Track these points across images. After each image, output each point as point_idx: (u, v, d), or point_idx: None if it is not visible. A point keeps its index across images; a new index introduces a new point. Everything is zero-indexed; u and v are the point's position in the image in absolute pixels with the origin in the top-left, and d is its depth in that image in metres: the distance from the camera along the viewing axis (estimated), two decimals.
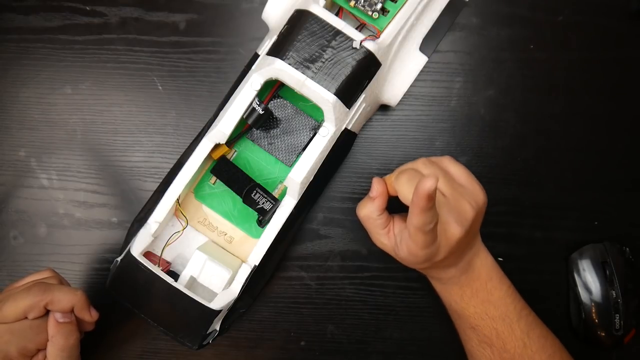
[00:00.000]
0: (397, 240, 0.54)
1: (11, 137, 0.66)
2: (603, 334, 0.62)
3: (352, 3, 0.56)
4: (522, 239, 0.65)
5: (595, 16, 0.64)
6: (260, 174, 0.60)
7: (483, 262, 0.56)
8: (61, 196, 0.66)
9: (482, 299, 0.55)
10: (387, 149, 0.65)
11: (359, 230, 0.64)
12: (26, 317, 0.52)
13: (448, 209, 0.51)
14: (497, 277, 0.56)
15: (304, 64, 0.53)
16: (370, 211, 0.55)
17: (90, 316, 0.55)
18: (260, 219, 0.59)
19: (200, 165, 0.56)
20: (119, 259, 0.57)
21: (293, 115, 0.60)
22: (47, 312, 0.53)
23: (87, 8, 0.65)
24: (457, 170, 0.55)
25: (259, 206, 0.58)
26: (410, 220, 0.48)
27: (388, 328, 0.66)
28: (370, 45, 0.54)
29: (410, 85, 0.60)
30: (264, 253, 0.56)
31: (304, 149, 0.58)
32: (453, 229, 0.51)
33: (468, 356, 0.58)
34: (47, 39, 0.65)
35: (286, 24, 0.55)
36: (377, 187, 0.54)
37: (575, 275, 0.63)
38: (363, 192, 0.65)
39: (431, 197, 0.45)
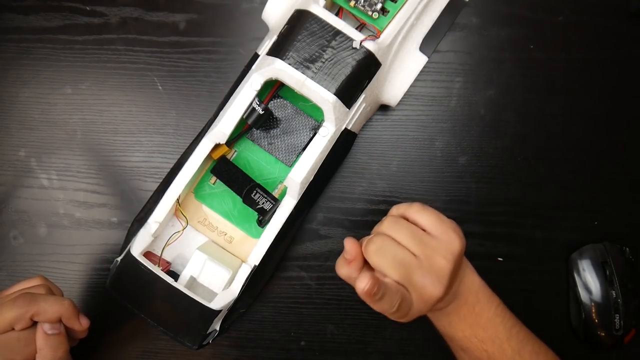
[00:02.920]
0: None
1: (11, 137, 0.66)
2: (603, 334, 0.62)
3: (352, 3, 0.56)
4: (522, 239, 0.65)
5: (595, 16, 0.64)
6: (260, 174, 0.60)
7: (469, 287, 0.55)
8: (61, 196, 0.66)
9: (470, 323, 0.54)
10: (387, 149, 0.65)
11: (359, 230, 0.64)
12: (13, 329, 0.51)
13: (422, 273, 0.50)
14: (484, 298, 0.55)
15: (304, 64, 0.53)
16: (349, 272, 0.53)
17: (80, 325, 0.54)
18: (260, 219, 0.59)
19: (200, 165, 0.56)
20: (119, 259, 0.57)
21: (293, 115, 0.60)
22: (34, 323, 0.52)
23: (87, 8, 0.65)
24: (427, 220, 0.52)
25: (259, 206, 0.58)
26: (374, 307, 0.49)
27: (388, 328, 0.66)
28: (370, 45, 0.54)
29: (410, 85, 0.60)
30: (264, 253, 0.56)
31: (304, 149, 0.58)
32: (430, 291, 0.50)
33: None
34: (47, 39, 0.65)
35: (286, 24, 0.55)
36: (350, 250, 0.52)
37: (575, 275, 0.63)
38: (363, 192, 0.65)
39: (372, 294, 0.46)
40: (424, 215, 0.52)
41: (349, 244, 0.52)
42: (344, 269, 0.53)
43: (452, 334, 0.56)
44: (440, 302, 0.52)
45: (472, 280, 0.55)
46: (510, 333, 0.54)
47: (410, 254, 0.50)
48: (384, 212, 0.63)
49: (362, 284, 0.46)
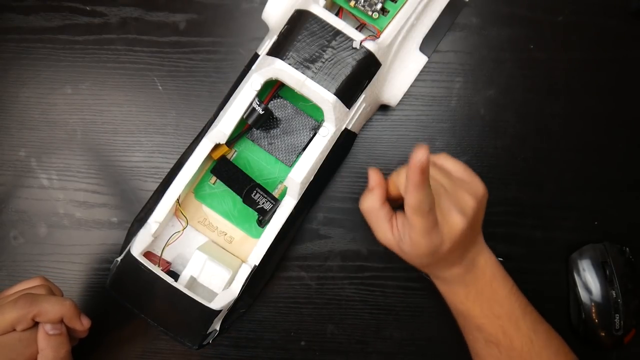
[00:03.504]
0: (400, 234, 0.53)
1: (11, 137, 0.66)
2: (603, 334, 0.62)
3: (352, 3, 0.56)
4: (522, 239, 0.65)
5: (595, 16, 0.64)
6: (260, 174, 0.60)
7: (487, 261, 0.56)
8: (61, 196, 0.66)
9: (487, 298, 0.55)
10: (387, 149, 0.65)
11: (359, 230, 0.64)
12: (14, 330, 0.51)
13: (449, 200, 0.51)
14: (500, 275, 0.56)
15: (304, 64, 0.53)
16: (372, 202, 0.54)
17: (81, 325, 0.54)
18: (260, 219, 0.59)
19: (201, 165, 0.56)
20: (119, 259, 0.57)
21: (293, 115, 0.60)
22: (36, 324, 0.52)
23: (87, 8, 0.65)
24: (454, 166, 0.55)
25: (259, 206, 0.58)
26: (407, 203, 0.48)
27: (388, 328, 0.66)
28: (370, 45, 0.54)
29: (410, 85, 0.60)
30: (264, 253, 0.56)
31: (304, 149, 0.58)
32: (456, 219, 0.51)
33: (475, 358, 0.58)
34: (47, 39, 0.65)
35: (286, 24, 0.55)
36: (373, 176, 0.54)
37: (575, 275, 0.63)
38: (362, 192, 0.65)
39: (424, 170, 0.45)
40: (452, 162, 0.55)
41: (372, 171, 0.55)
42: (367, 200, 0.54)
43: (468, 310, 0.56)
44: (463, 241, 0.52)
45: (489, 255, 0.56)
46: (525, 311, 0.55)
47: (439, 184, 0.52)
48: None
49: (420, 152, 0.44)
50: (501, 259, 0.64)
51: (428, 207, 0.48)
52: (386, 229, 0.54)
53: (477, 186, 0.54)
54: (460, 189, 0.52)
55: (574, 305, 0.64)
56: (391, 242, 0.54)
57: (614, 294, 0.62)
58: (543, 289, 0.65)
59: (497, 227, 0.65)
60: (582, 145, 0.65)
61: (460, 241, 0.52)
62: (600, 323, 0.62)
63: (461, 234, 0.51)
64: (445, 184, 0.52)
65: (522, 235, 0.65)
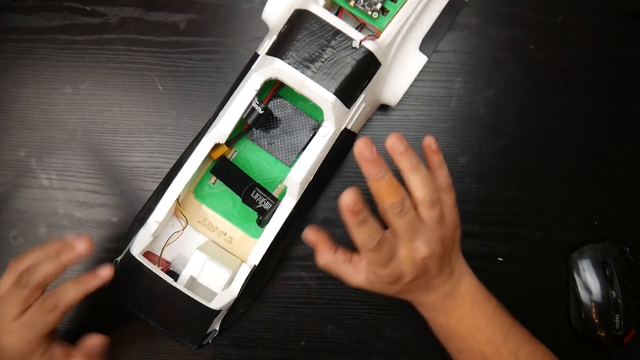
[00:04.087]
0: (365, 269, 0.53)
1: (11, 137, 0.66)
2: (603, 334, 0.62)
3: (352, 3, 0.56)
4: (522, 239, 0.65)
5: (595, 16, 0.64)
6: (260, 173, 0.60)
7: (467, 288, 0.55)
8: (61, 196, 0.66)
9: (467, 325, 0.54)
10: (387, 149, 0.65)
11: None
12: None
13: (413, 229, 0.49)
14: (482, 300, 0.55)
15: (304, 64, 0.53)
16: (324, 257, 0.53)
17: (97, 279, 0.53)
18: (260, 218, 0.59)
19: (200, 165, 0.56)
20: (118, 258, 0.57)
21: (293, 115, 0.60)
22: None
23: (87, 8, 0.65)
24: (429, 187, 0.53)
25: (258, 206, 0.58)
26: (353, 240, 0.49)
27: (388, 328, 0.66)
28: (369, 45, 0.54)
29: (410, 85, 0.60)
30: (263, 253, 0.56)
31: (303, 148, 0.58)
32: (419, 247, 0.50)
33: None
34: (47, 39, 0.65)
35: (286, 23, 0.55)
36: (311, 237, 0.53)
37: (575, 275, 0.63)
38: (363, 192, 0.64)
39: (354, 213, 0.46)
40: (449, 197, 0.53)
41: (307, 234, 0.53)
42: (320, 257, 0.54)
43: (448, 335, 0.56)
44: (428, 269, 0.51)
45: (470, 280, 0.56)
46: (507, 335, 0.54)
47: (420, 221, 0.50)
48: None
49: (346, 196, 0.45)
50: (501, 259, 0.64)
51: (374, 242, 0.48)
52: (351, 271, 0.54)
53: (450, 219, 0.53)
54: (425, 220, 0.50)
55: (574, 305, 0.64)
56: (361, 281, 0.54)
57: (614, 294, 0.62)
58: (543, 289, 0.65)
59: (497, 227, 0.65)
60: (582, 145, 0.65)
61: (425, 269, 0.51)
62: (600, 323, 0.62)
63: (424, 263, 0.50)
64: (409, 216, 0.49)
65: (522, 235, 0.65)
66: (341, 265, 0.54)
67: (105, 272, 0.53)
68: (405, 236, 0.49)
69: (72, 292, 0.52)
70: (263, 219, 0.59)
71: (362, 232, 0.47)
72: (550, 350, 0.56)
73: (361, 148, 0.45)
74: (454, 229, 0.54)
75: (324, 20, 0.54)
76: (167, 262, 0.60)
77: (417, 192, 0.49)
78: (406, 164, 0.49)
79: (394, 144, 0.48)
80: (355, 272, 0.53)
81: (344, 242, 0.64)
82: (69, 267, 0.52)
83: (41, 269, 0.51)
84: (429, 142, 0.52)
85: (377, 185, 0.47)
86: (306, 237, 0.54)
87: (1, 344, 0.51)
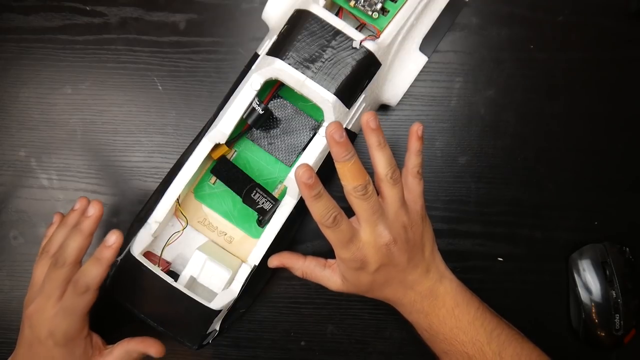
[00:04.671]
0: (337, 265, 0.55)
1: (11, 137, 0.66)
2: (603, 334, 0.62)
3: (352, 3, 0.56)
4: (522, 239, 0.65)
5: (595, 16, 0.64)
6: (260, 174, 0.60)
7: (447, 289, 0.55)
8: (61, 196, 0.66)
9: (450, 327, 0.55)
10: None
11: None
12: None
13: (376, 213, 0.51)
14: (463, 302, 0.55)
15: (304, 64, 0.53)
16: (298, 265, 0.57)
17: (110, 249, 0.53)
18: (260, 219, 0.59)
19: (200, 165, 0.56)
20: (118, 258, 0.57)
21: (293, 115, 0.60)
22: None
23: (87, 8, 0.65)
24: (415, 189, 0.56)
25: (258, 206, 0.58)
26: (313, 216, 0.50)
27: (388, 328, 0.66)
28: (370, 45, 0.54)
29: (410, 85, 0.60)
30: (263, 253, 0.56)
31: (304, 149, 0.58)
32: (381, 232, 0.51)
33: None
34: (47, 39, 0.65)
35: (286, 24, 0.55)
36: (274, 262, 0.58)
37: (575, 275, 0.63)
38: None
39: (310, 185, 0.47)
40: (416, 183, 0.55)
41: (274, 261, 0.58)
42: (295, 270, 0.58)
43: (432, 337, 0.56)
44: (393, 257, 0.52)
45: (450, 282, 0.56)
46: (491, 336, 0.54)
47: (381, 206, 0.51)
48: None
49: (300, 169, 0.47)
50: (501, 259, 0.64)
51: (330, 216, 0.49)
52: (328, 275, 0.56)
53: (414, 209, 0.54)
54: (388, 203, 0.52)
55: (574, 305, 0.64)
56: (338, 283, 0.56)
57: (614, 294, 0.62)
58: (543, 289, 0.65)
59: (497, 227, 0.65)
60: (582, 145, 0.65)
61: (390, 258, 0.52)
62: (600, 323, 0.62)
63: (388, 249, 0.51)
64: (373, 200, 0.51)
65: (522, 235, 0.65)
66: (316, 270, 0.57)
67: (113, 239, 0.53)
68: (368, 219, 0.51)
69: (94, 271, 0.52)
70: (263, 219, 0.59)
71: (318, 206, 0.49)
72: (540, 349, 0.56)
73: (331, 130, 0.47)
74: (421, 220, 0.55)
75: (324, 21, 0.54)
76: (167, 262, 0.60)
77: (380, 168, 0.51)
78: (374, 140, 0.50)
79: (369, 120, 0.49)
80: (332, 274, 0.56)
81: None
82: (93, 233, 0.53)
83: (71, 244, 0.53)
84: (417, 127, 0.54)
85: (343, 167, 0.48)
86: (271, 263, 0.57)
87: (48, 329, 0.52)
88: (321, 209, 0.49)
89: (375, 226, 0.51)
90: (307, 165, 0.47)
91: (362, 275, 0.53)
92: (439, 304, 0.55)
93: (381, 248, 0.51)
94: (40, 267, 0.55)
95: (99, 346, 0.56)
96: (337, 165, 0.49)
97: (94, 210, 0.53)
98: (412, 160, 0.54)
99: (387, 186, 0.51)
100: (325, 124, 0.54)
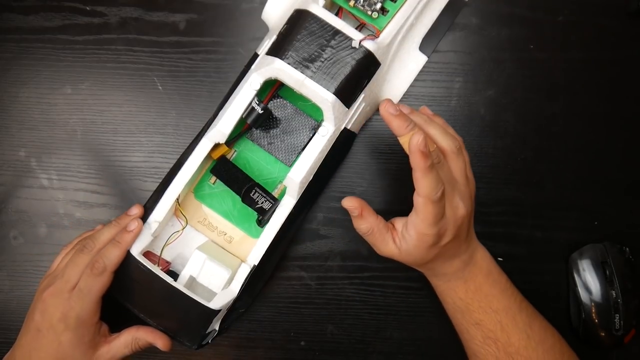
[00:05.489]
0: (403, 236, 0.53)
1: (11, 137, 0.66)
2: (603, 334, 0.62)
3: (352, 3, 0.56)
4: (522, 239, 0.65)
5: (594, 16, 0.64)
6: (260, 173, 0.60)
7: (483, 256, 0.57)
8: (61, 196, 0.66)
9: (485, 293, 0.55)
10: (387, 148, 0.65)
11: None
12: None
13: (449, 185, 0.51)
14: (496, 271, 0.57)
15: (303, 64, 0.53)
16: (368, 222, 0.54)
17: (131, 234, 0.56)
18: (259, 218, 0.59)
19: (200, 165, 0.56)
20: None
21: (293, 115, 0.60)
22: None
23: (87, 8, 0.65)
24: (448, 144, 0.55)
25: (258, 206, 0.58)
26: (418, 191, 0.49)
27: (388, 328, 0.66)
28: (369, 44, 0.54)
29: (410, 85, 0.60)
30: (263, 253, 0.56)
31: (303, 148, 0.58)
32: (459, 204, 0.51)
33: (471, 357, 0.58)
34: (47, 39, 0.65)
35: (285, 23, 0.55)
36: (353, 203, 0.54)
37: (575, 275, 0.63)
38: (363, 193, 0.65)
39: (425, 155, 0.46)
40: (445, 140, 0.53)
41: (348, 201, 0.54)
42: (362, 224, 0.55)
43: (467, 305, 0.56)
44: (463, 230, 0.53)
45: (484, 252, 0.57)
46: (521, 306, 0.56)
47: (453, 177, 0.52)
48: (384, 213, 0.63)
49: (417, 137, 0.46)
50: (501, 259, 0.64)
51: (439, 192, 0.48)
52: (389, 239, 0.54)
53: (472, 178, 0.55)
54: (457, 175, 0.53)
55: (574, 305, 0.64)
56: (394, 251, 0.54)
57: (614, 294, 0.62)
58: (543, 289, 0.65)
59: (497, 227, 0.65)
60: (582, 145, 0.65)
61: (461, 230, 0.53)
62: (600, 323, 0.62)
63: (463, 221, 0.52)
64: (446, 169, 0.51)
65: (522, 235, 0.65)
66: (382, 233, 0.54)
67: (135, 225, 0.56)
68: (448, 191, 0.50)
69: (114, 253, 0.54)
70: (263, 218, 0.59)
71: (430, 179, 0.47)
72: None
73: (385, 107, 0.48)
74: (474, 189, 0.55)
75: (323, 20, 0.54)
76: (167, 261, 0.60)
77: (441, 141, 0.51)
78: (418, 119, 0.51)
79: (402, 109, 0.50)
80: (391, 241, 0.54)
81: (343, 242, 0.65)
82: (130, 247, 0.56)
83: (104, 234, 0.56)
84: (425, 110, 0.56)
85: (408, 137, 0.48)
86: (348, 204, 0.54)
87: (62, 311, 0.53)
88: (432, 182, 0.48)
89: (453, 198, 0.51)
90: (422, 134, 0.46)
91: (431, 250, 0.52)
92: (476, 270, 0.56)
93: (457, 221, 0.51)
94: (63, 258, 0.58)
95: (105, 334, 0.56)
96: (403, 140, 0.48)
97: (134, 226, 0.56)
98: (448, 142, 0.53)
99: (452, 158, 0.51)
100: (324, 124, 0.54)
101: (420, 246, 0.52)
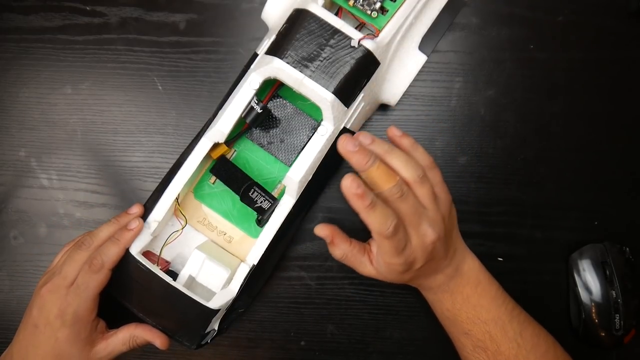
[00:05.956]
0: (376, 259, 0.54)
1: (11, 137, 0.66)
2: (603, 334, 0.62)
3: (351, 2, 0.56)
4: (522, 239, 0.65)
5: (595, 16, 0.64)
6: (259, 173, 0.60)
7: (471, 267, 0.56)
8: (61, 196, 0.66)
9: (473, 304, 0.55)
10: None
11: (359, 232, 0.64)
12: None
13: (416, 213, 0.50)
14: (485, 280, 0.56)
15: (303, 63, 0.53)
16: (341, 249, 0.55)
17: (131, 232, 0.56)
18: (259, 218, 0.59)
19: (200, 165, 0.56)
20: None
21: (292, 115, 0.60)
22: None
23: (87, 8, 0.65)
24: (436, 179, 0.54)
25: (257, 205, 0.58)
26: (369, 228, 0.48)
27: (388, 328, 0.66)
28: (368, 44, 0.54)
29: (410, 85, 0.60)
30: (262, 252, 0.56)
31: (303, 148, 0.58)
32: (426, 232, 0.50)
33: None
34: (47, 39, 0.65)
35: (285, 23, 0.55)
36: (325, 231, 0.54)
37: (575, 275, 0.63)
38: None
39: (360, 196, 0.45)
40: (429, 181, 0.52)
41: (321, 229, 0.54)
42: (336, 250, 0.55)
43: (455, 317, 0.56)
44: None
45: (472, 260, 0.57)
46: (512, 315, 0.55)
47: (420, 204, 0.50)
48: None
49: (346, 180, 0.45)
50: (501, 259, 0.64)
51: (390, 226, 0.47)
52: (365, 262, 0.55)
53: (444, 197, 0.53)
54: (424, 202, 0.51)
55: (574, 305, 0.64)
56: (372, 272, 0.55)
57: (614, 294, 0.62)
58: (543, 289, 0.65)
59: (497, 227, 0.65)
60: (582, 145, 0.65)
61: (434, 253, 0.52)
62: (600, 323, 0.62)
63: (434, 246, 0.51)
64: (411, 199, 0.50)
65: (522, 235, 0.65)
66: (357, 257, 0.55)
67: (135, 223, 0.56)
68: (413, 220, 0.49)
69: (113, 250, 0.54)
70: (262, 218, 0.59)
71: (375, 216, 0.47)
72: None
73: (343, 144, 0.47)
74: (450, 206, 0.54)
75: (323, 20, 0.54)
76: (167, 261, 0.60)
77: (402, 172, 0.50)
78: (379, 150, 0.49)
79: (363, 140, 0.49)
80: (369, 262, 0.55)
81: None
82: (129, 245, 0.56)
83: (103, 231, 0.56)
84: (392, 131, 0.54)
85: (370, 174, 0.47)
86: (320, 232, 0.54)
87: (59, 307, 0.53)
88: (379, 219, 0.47)
89: (420, 225, 0.50)
90: (352, 175, 0.46)
91: (405, 274, 0.53)
92: (464, 281, 0.55)
93: (428, 247, 0.51)
94: (63, 255, 0.58)
95: (102, 330, 0.56)
96: (364, 175, 0.47)
97: (136, 225, 0.56)
98: (418, 157, 0.53)
99: (416, 187, 0.50)
100: (324, 124, 0.54)
101: (392, 271, 0.52)
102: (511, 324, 0.55)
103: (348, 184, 0.45)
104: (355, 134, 0.48)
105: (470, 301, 0.55)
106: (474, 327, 0.55)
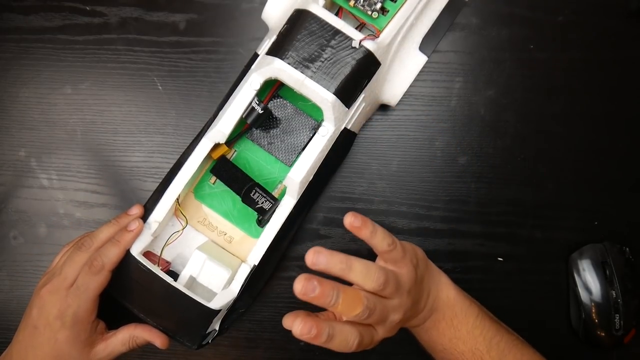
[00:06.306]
0: None
1: (11, 137, 0.66)
2: (603, 334, 0.62)
3: (352, 3, 0.56)
4: (522, 239, 0.65)
5: (595, 16, 0.64)
6: (260, 173, 0.60)
7: (445, 302, 0.56)
8: (61, 196, 0.66)
9: (449, 337, 0.55)
10: (387, 149, 0.65)
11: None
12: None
13: (386, 311, 0.49)
14: (462, 311, 0.56)
15: (303, 64, 0.53)
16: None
17: (131, 234, 0.55)
18: (259, 218, 0.59)
19: (200, 165, 0.56)
20: None
21: (293, 115, 0.60)
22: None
23: (87, 8, 0.65)
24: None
25: (258, 205, 0.58)
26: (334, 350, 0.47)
27: None
28: (369, 44, 0.54)
29: (410, 85, 0.60)
30: (263, 253, 0.56)
31: (303, 148, 0.58)
32: (393, 318, 0.50)
33: None
34: (47, 39, 0.65)
35: (285, 23, 0.55)
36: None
37: (575, 275, 0.63)
38: (363, 193, 0.65)
39: (317, 335, 0.44)
40: (396, 252, 0.51)
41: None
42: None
43: (433, 348, 0.57)
44: (412, 320, 0.53)
45: (447, 294, 0.56)
46: (490, 344, 0.55)
47: (385, 306, 0.49)
48: (384, 213, 0.63)
49: (297, 329, 0.44)
50: (501, 259, 0.64)
51: (351, 346, 0.46)
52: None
53: (404, 266, 0.51)
54: (389, 297, 0.49)
55: (574, 305, 0.64)
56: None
57: (614, 294, 0.62)
58: (543, 289, 0.65)
59: (497, 227, 0.65)
60: (582, 145, 0.65)
61: (406, 316, 0.51)
62: (600, 323, 0.62)
63: (405, 317, 0.50)
64: (377, 313, 0.48)
65: (522, 235, 0.65)
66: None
67: (135, 225, 0.55)
68: (379, 323, 0.49)
69: (113, 252, 0.54)
70: (263, 218, 0.59)
71: (335, 343, 0.46)
72: (540, 354, 0.56)
73: (304, 289, 0.44)
74: (413, 272, 0.51)
75: (323, 20, 0.54)
76: (167, 262, 0.60)
77: (365, 287, 0.48)
78: (337, 271, 0.47)
79: (317, 263, 0.46)
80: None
81: (343, 242, 0.64)
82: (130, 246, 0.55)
83: (103, 232, 0.56)
84: (349, 220, 0.49)
85: (337, 310, 0.45)
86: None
87: (59, 309, 0.53)
88: (341, 345, 0.46)
89: (386, 321, 0.49)
90: (302, 320, 0.44)
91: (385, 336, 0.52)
92: (439, 317, 0.55)
93: (395, 327, 0.51)
94: (62, 256, 0.57)
95: (102, 331, 0.56)
96: (332, 310, 0.46)
97: (136, 225, 0.55)
98: (376, 246, 0.50)
99: (381, 292, 0.48)
100: (324, 124, 0.54)
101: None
102: (489, 354, 0.54)
103: (298, 333, 0.44)
104: (310, 257, 0.46)
105: (446, 335, 0.55)
106: (451, 358, 0.55)
